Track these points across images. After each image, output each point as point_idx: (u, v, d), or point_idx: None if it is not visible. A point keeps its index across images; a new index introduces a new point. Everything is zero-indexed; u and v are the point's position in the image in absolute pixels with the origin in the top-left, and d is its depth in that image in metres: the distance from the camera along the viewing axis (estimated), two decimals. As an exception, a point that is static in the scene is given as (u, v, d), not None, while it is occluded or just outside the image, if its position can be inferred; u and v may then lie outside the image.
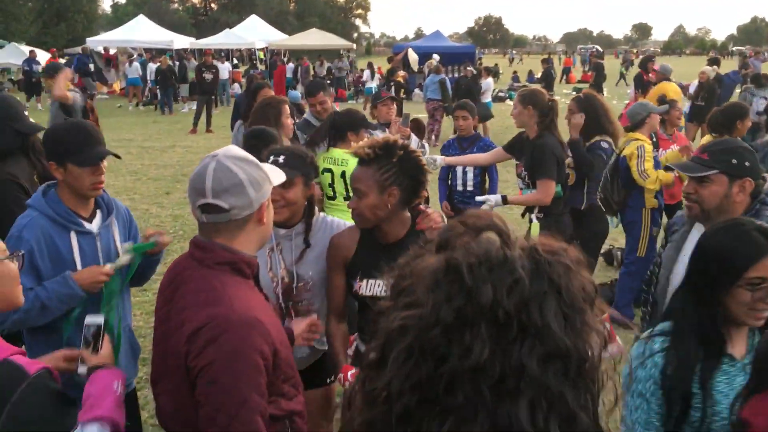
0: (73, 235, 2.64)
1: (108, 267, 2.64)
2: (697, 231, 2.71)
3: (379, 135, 5.62)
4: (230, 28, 33.27)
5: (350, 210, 2.59)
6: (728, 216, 2.51)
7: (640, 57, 24.11)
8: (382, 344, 0.87)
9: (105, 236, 2.76)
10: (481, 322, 0.79)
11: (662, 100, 7.61)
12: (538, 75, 20.94)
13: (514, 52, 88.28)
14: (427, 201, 5.58)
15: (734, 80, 14.70)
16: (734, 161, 2.57)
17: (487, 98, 16.06)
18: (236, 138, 5.89)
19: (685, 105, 10.38)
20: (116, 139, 15.68)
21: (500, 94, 25.88)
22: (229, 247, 1.88)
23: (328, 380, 2.96)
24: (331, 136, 4.61)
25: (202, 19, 65.54)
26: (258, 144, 3.98)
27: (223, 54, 26.82)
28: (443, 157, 5.31)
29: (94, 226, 2.73)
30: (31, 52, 24.58)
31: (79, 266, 2.65)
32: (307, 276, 2.76)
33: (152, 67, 23.30)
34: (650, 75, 12.96)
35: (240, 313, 1.79)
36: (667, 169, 5.26)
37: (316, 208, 2.85)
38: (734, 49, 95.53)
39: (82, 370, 2.12)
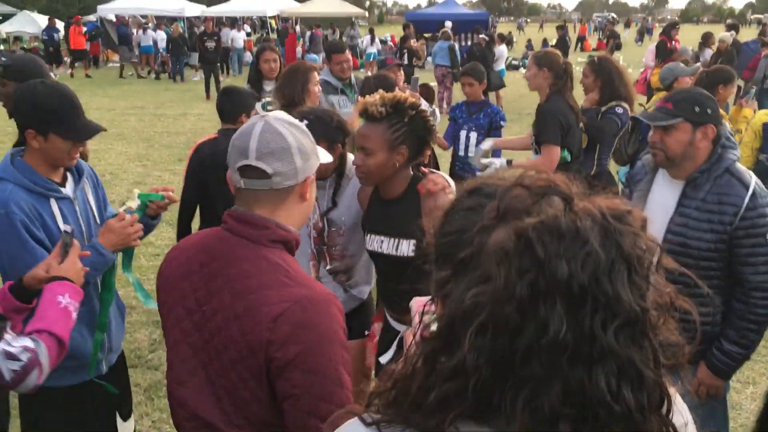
0: (53, 202, 2.51)
1: (128, 217, 2.52)
2: (662, 176, 2.86)
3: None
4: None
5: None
6: (692, 162, 2.71)
7: (657, 26, 23.73)
8: (451, 320, 0.87)
9: (81, 199, 2.65)
10: (555, 295, 0.79)
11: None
12: (553, 42, 20.65)
13: (526, 20, 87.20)
14: (436, 165, 5.58)
15: (753, 50, 14.41)
16: (697, 109, 2.68)
17: (500, 66, 15.89)
18: None
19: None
20: (129, 107, 15.73)
21: (514, 62, 25.64)
22: (283, 224, 1.69)
23: (366, 332, 2.99)
24: None
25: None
26: (230, 102, 4.07)
27: (240, 21, 26.61)
28: (493, 141, 5.14)
29: (69, 190, 2.59)
30: (51, 20, 24.54)
31: None
32: (339, 222, 2.83)
33: (161, 35, 23.26)
34: (674, 42, 12.65)
35: (319, 291, 1.65)
36: None
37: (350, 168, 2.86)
38: (753, 17, 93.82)
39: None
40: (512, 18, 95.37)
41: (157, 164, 10.43)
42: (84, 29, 23.87)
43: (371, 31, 25.29)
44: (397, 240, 2.58)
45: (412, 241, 2.53)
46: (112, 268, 2.60)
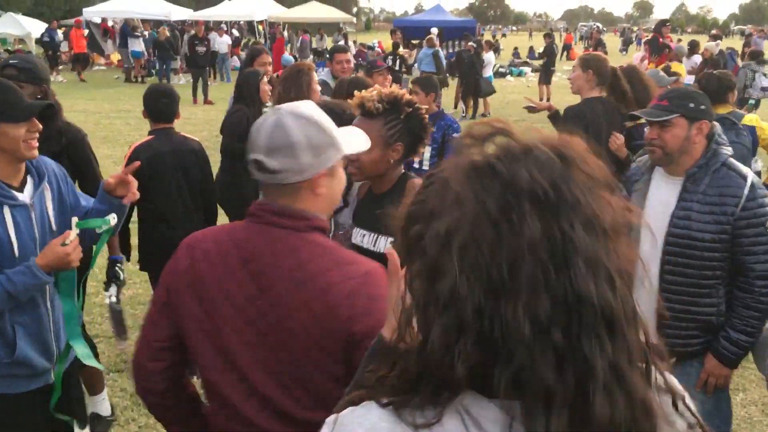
0: (6, 210, 2.36)
1: (70, 241, 2.37)
2: (659, 175, 2.95)
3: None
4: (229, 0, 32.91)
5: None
6: (689, 157, 2.80)
7: (645, 35, 23.89)
8: (431, 253, 0.88)
9: (38, 205, 2.48)
10: (523, 202, 0.84)
11: (667, 70, 7.55)
12: (540, 50, 20.76)
13: (513, 27, 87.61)
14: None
15: (732, 60, 14.57)
16: (692, 105, 2.81)
17: (488, 72, 15.95)
18: None
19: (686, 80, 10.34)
20: (114, 110, 15.61)
21: (500, 69, 25.74)
22: (317, 215, 1.71)
23: None
24: None
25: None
26: (166, 102, 4.16)
27: (224, 26, 26.51)
28: None
29: (26, 195, 2.44)
30: (53, 22, 24.33)
31: (15, 244, 2.38)
32: (346, 225, 2.77)
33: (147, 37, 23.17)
34: (666, 39, 12.71)
35: (375, 264, 1.68)
36: None
37: None
38: (735, 27, 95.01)
39: None
40: (500, 26, 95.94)
41: (143, 167, 10.33)
42: (86, 32, 23.69)
43: (344, 37, 25.61)
44: (376, 235, 2.55)
45: (390, 238, 2.50)
46: (70, 281, 2.49)
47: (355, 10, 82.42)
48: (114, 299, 3.83)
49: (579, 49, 37.82)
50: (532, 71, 28.33)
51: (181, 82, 21.21)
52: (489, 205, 0.84)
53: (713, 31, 21.58)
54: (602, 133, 4.25)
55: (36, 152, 2.41)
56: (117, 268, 3.88)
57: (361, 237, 2.61)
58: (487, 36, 42.95)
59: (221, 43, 22.88)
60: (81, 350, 2.58)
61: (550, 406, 0.82)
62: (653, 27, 13.85)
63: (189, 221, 4.18)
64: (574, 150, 0.91)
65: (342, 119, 2.71)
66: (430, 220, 0.90)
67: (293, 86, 4.65)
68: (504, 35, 61.58)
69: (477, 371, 0.86)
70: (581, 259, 0.83)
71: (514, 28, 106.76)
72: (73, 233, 2.39)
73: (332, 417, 0.99)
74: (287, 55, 19.57)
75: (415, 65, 16.90)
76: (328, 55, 6.50)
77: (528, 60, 32.49)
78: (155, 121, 4.19)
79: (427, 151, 5.31)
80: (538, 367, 0.82)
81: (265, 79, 5.55)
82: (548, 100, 17.59)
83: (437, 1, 31.06)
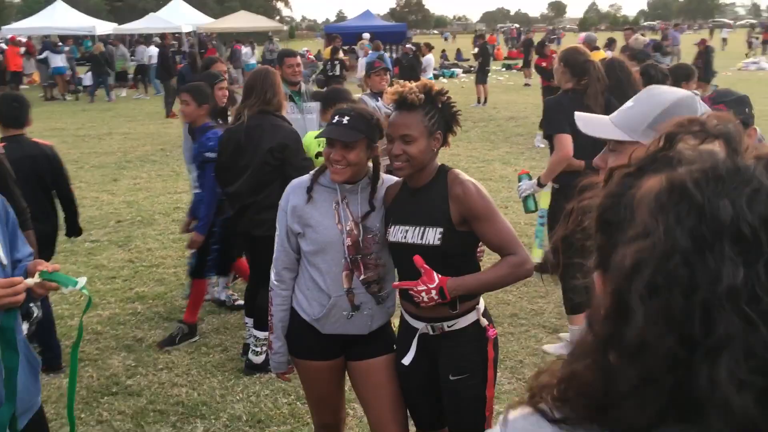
0: None
1: (26, 282, 2.11)
2: None
3: (372, 104, 5.63)
4: (148, 13, 32.11)
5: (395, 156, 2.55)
6: None
7: (564, 34, 24.40)
8: (614, 287, 0.78)
9: None
10: (723, 241, 0.72)
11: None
12: (474, 50, 21.12)
13: (434, 31, 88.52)
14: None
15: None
16: (747, 110, 2.84)
17: (428, 74, 16.14)
18: None
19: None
20: (47, 128, 15.02)
21: (434, 72, 26.05)
22: None
23: (394, 345, 2.89)
24: None
25: (118, 5, 63.08)
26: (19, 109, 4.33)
27: (156, 39, 25.88)
28: (531, 183, 4.59)
29: None
30: None
31: None
32: (375, 228, 2.74)
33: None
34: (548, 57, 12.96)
35: None
36: None
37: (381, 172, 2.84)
38: (645, 23, 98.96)
39: None
40: (421, 31, 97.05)
41: (91, 186, 10.00)
42: (22, 50, 22.64)
43: (251, 44, 25.75)
44: (422, 228, 2.55)
45: (439, 229, 2.51)
46: (9, 331, 2.18)
47: (277, 18, 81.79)
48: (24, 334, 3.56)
49: (504, 50, 38.74)
50: (463, 72, 28.87)
51: (123, 95, 20.65)
52: (680, 241, 0.73)
53: (626, 27, 22.24)
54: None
55: None
56: (31, 306, 3.62)
57: (404, 233, 2.60)
58: (422, 40, 43.33)
59: (152, 54, 22.36)
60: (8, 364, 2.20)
61: None
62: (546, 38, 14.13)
63: (47, 223, 4.35)
64: None
65: (370, 124, 2.72)
66: (616, 235, 0.81)
67: (269, 90, 4.58)
68: (446, 40, 62.41)
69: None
70: None
71: (435, 31, 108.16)
72: (30, 281, 2.13)
73: (504, 416, 0.93)
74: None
75: (361, 69, 16.93)
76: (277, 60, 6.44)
77: (457, 62, 33.06)
78: (6, 127, 4.32)
79: (193, 170, 4.91)
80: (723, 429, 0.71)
81: (224, 83, 5.52)
82: (485, 99, 17.91)
83: (360, 8, 31.22)
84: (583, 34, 13.34)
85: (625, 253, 0.76)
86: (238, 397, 4.25)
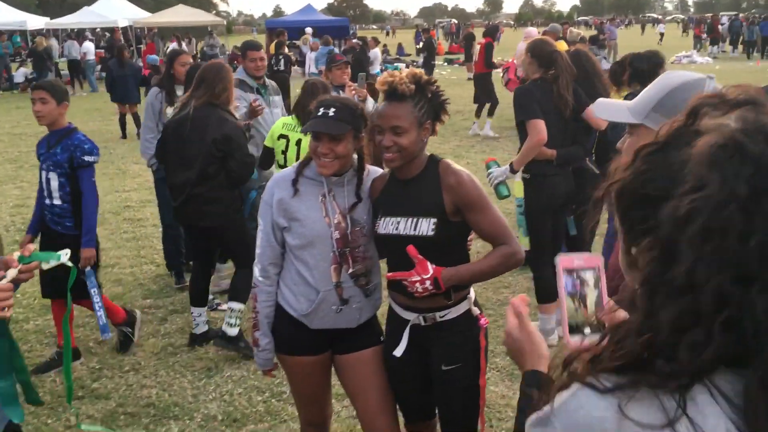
0: None
1: (3, 282, 2.04)
2: None
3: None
4: (81, 7, 31.06)
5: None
6: None
7: (504, 30, 24.73)
8: (664, 237, 0.82)
9: None
10: None
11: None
12: (419, 45, 21.20)
13: (373, 26, 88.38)
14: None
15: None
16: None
17: (376, 68, 16.13)
18: (153, 106, 5.66)
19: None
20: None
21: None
22: None
23: (381, 337, 2.89)
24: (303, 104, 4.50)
25: (47, -1, 60.82)
26: None
27: (88, 33, 25.10)
28: (502, 170, 4.50)
29: None
30: None
31: None
32: (362, 221, 2.72)
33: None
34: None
35: None
36: None
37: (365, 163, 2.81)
38: (580, 18, 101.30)
39: None
40: (363, 26, 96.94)
41: (33, 185, 9.52)
42: None
43: (177, 38, 25.15)
44: (415, 219, 2.54)
45: (432, 220, 2.51)
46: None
47: (213, 12, 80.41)
48: None
49: (444, 45, 39.01)
50: (406, 66, 28.92)
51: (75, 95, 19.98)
52: (739, 190, 0.78)
53: (562, 22, 22.62)
54: (550, 111, 4.39)
55: None
56: None
57: (395, 225, 2.58)
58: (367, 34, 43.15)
59: (89, 50, 21.67)
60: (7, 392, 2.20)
61: None
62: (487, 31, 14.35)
63: None
64: None
65: (355, 115, 2.70)
66: (661, 198, 0.84)
67: (219, 84, 4.55)
68: (388, 34, 62.41)
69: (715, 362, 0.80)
70: None
71: (374, 26, 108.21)
72: (10, 274, 2.06)
73: (551, 404, 0.91)
74: (154, 56, 18.88)
75: (311, 64, 16.80)
76: (240, 54, 6.36)
77: (398, 57, 33.13)
78: None
79: (54, 179, 4.25)
80: None
81: (187, 57, 5.78)
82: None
83: (298, 4, 30.98)
84: (531, 29, 13.58)
85: (677, 205, 0.80)
86: (210, 397, 4.17)
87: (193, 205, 4.51)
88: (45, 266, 2.20)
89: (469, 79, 23.33)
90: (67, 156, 4.19)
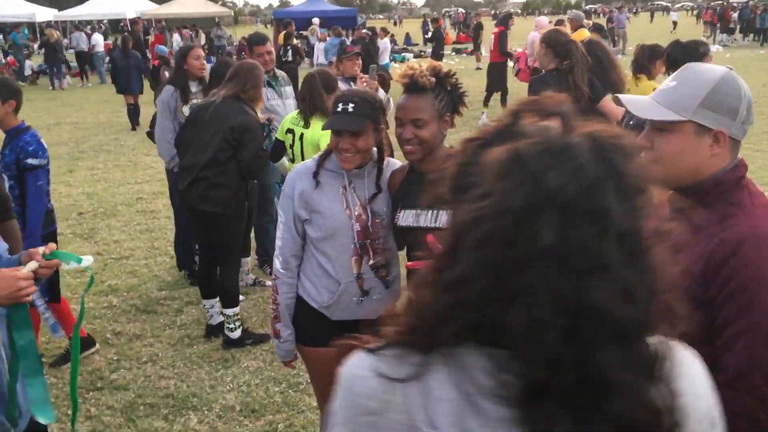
0: None
1: (24, 271, 2.08)
2: None
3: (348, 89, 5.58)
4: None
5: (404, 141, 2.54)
6: None
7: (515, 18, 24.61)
8: (453, 235, 0.90)
9: None
10: (546, 207, 0.82)
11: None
12: (428, 35, 21.12)
13: (380, 16, 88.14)
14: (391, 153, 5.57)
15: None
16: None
17: (384, 59, 16.07)
18: (168, 104, 5.55)
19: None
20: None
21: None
22: None
23: None
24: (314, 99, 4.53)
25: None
26: None
27: (98, 25, 25.10)
28: None
29: None
30: None
31: None
32: (382, 212, 2.73)
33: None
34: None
35: None
36: None
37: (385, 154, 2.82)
38: (588, 7, 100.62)
39: None
40: (370, 15, 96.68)
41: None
42: None
43: (172, 30, 25.16)
44: (436, 211, 2.53)
45: None
46: (23, 311, 2.15)
47: (220, 3, 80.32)
48: None
49: (452, 35, 38.84)
50: (414, 57, 28.84)
51: (82, 85, 20.02)
52: (513, 203, 0.84)
53: (573, 11, 22.47)
54: None
55: None
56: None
57: (415, 217, 2.58)
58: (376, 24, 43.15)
59: (98, 41, 21.70)
60: (37, 393, 2.21)
61: (542, 402, 0.84)
62: (500, 20, 14.29)
63: None
64: (625, 149, 0.88)
65: (374, 108, 2.70)
66: (462, 195, 0.91)
67: (251, 79, 4.60)
68: (396, 24, 62.34)
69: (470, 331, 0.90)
70: (600, 270, 0.82)
71: (380, 16, 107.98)
72: (30, 265, 2.12)
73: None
74: (162, 47, 18.88)
75: (320, 55, 16.76)
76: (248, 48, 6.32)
77: (406, 46, 33.02)
78: None
79: (6, 182, 4.00)
80: (529, 358, 0.84)
81: (199, 51, 5.65)
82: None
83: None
84: (542, 18, 13.46)
85: (468, 209, 0.87)
86: (228, 388, 4.20)
87: (197, 187, 4.53)
88: (65, 266, 2.24)
89: (477, 68, 23.29)
90: (14, 158, 3.92)
